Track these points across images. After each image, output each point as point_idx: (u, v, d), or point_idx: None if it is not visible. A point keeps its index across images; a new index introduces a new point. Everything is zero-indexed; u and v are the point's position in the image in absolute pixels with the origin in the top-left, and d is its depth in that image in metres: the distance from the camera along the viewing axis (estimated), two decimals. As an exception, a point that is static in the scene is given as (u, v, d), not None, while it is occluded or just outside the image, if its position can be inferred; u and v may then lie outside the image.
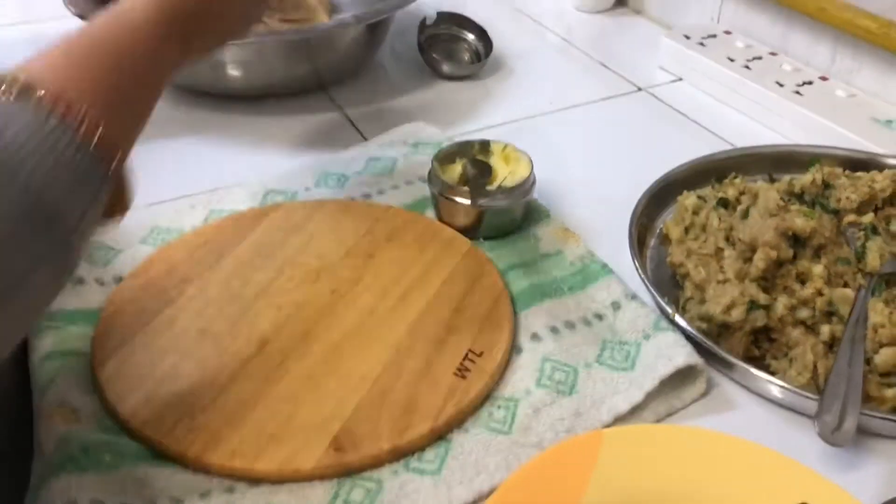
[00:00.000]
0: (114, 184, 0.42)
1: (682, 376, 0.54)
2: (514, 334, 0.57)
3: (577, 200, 0.72)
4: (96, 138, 0.39)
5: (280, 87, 0.85)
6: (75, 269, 0.42)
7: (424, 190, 0.70)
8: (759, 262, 0.56)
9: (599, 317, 0.59)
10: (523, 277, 0.62)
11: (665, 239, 0.67)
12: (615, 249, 0.64)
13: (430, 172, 0.67)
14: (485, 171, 0.68)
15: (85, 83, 0.40)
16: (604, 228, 0.68)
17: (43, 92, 0.38)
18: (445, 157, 0.69)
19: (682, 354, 0.53)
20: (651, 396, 0.53)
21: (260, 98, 0.86)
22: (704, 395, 0.54)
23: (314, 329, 0.56)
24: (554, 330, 0.58)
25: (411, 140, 0.78)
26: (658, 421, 0.53)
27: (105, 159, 0.40)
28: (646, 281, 0.59)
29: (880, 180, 0.63)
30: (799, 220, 0.57)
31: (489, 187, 0.66)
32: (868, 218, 0.61)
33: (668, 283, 0.63)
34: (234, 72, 0.82)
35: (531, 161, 0.67)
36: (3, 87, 0.37)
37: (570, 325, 0.58)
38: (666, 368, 0.53)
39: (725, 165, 0.72)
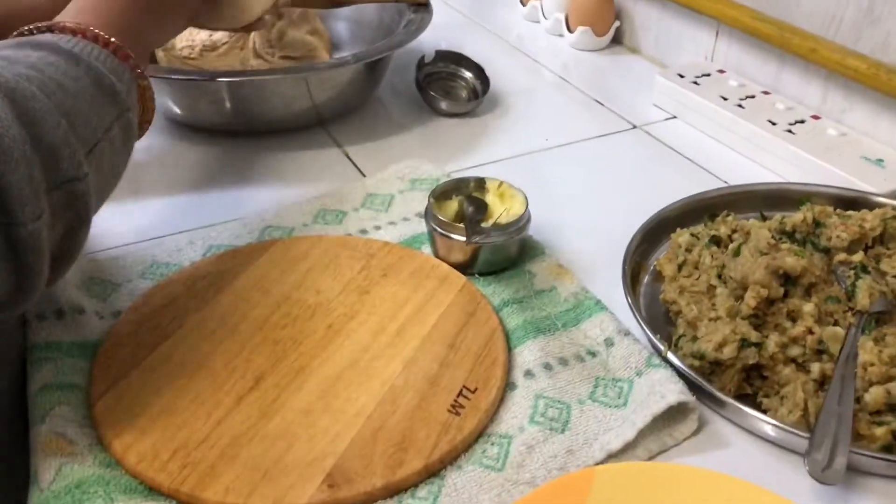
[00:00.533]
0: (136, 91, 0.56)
1: (675, 413, 0.54)
2: (507, 371, 0.58)
3: (572, 237, 0.73)
4: (111, 48, 0.53)
5: (279, 124, 0.87)
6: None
7: (421, 226, 0.70)
8: (751, 300, 0.57)
9: (593, 353, 0.59)
10: (517, 313, 0.62)
11: (658, 276, 0.67)
12: (609, 286, 0.64)
13: (426, 209, 0.68)
14: (480, 208, 0.69)
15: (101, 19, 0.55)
16: (598, 265, 0.68)
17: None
18: (442, 193, 0.70)
19: (673, 392, 0.54)
20: (643, 434, 0.53)
21: (259, 134, 0.87)
22: (697, 432, 0.54)
23: (309, 364, 0.57)
24: (547, 366, 0.58)
25: (409, 176, 0.79)
26: (650, 458, 0.53)
27: (124, 60, 0.54)
28: (638, 318, 0.60)
29: (870, 219, 0.64)
30: (789, 259, 0.58)
31: (484, 224, 0.67)
32: (858, 257, 0.62)
33: (662, 320, 0.63)
34: (233, 108, 0.84)
35: (526, 198, 0.68)
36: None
37: (564, 362, 0.59)
38: (658, 406, 0.53)
39: (718, 203, 0.73)
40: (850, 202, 0.71)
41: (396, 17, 0.97)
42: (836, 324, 0.57)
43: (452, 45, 1.01)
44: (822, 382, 0.54)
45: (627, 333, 0.60)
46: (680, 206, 0.73)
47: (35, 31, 0.53)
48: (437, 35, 1.09)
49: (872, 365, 0.53)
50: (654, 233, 0.70)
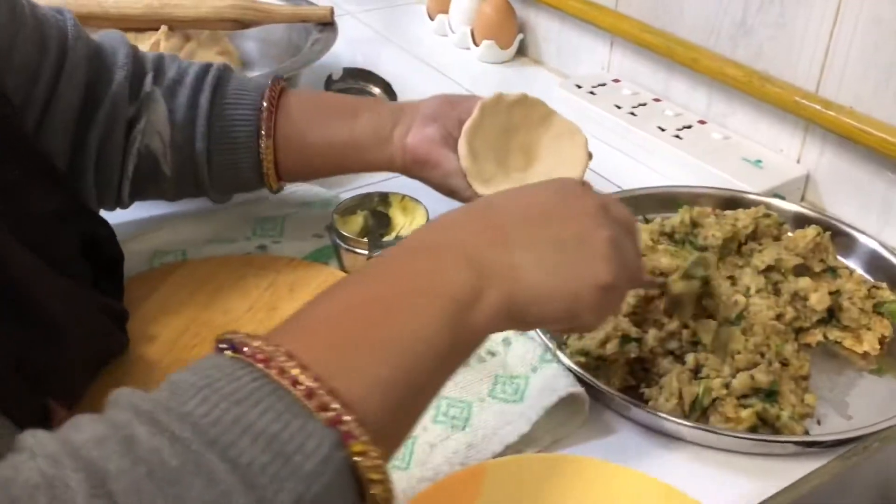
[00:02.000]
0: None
1: (567, 406, 0.58)
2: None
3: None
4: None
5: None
6: None
7: (323, 242, 0.73)
8: (630, 298, 0.61)
9: (492, 353, 0.63)
10: (421, 321, 0.65)
11: None
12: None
13: (330, 224, 0.71)
14: (384, 221, 0.72)
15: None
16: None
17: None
18: (346, 209, 0.72)
19: (564, 385, 0.58)
20: (538, 426, 0.56)
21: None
22: (587, 423, 0.58)
23: (218, 381, 0.58)
24: (448, 369, 0.61)
25: (300, 200, 0.80)
26: (545, 449, 0.57)
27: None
28: None
29: (743, 218, 0.69)
30: (664, 259, 0.62)
31: (386, 238, 0.70)
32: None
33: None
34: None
35: (427, 210, 0.72)
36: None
37: (465, 363, 0.62)
38: (549, 399, 0.57)
39: None
40: (730, 202, 0.77)
41: (304, 36, 1.00)
42: (709, 316, 0.61)
43: (363, 61, 1.04)
44: (697, 371, 0.58)
45: (546, 349, 0.63)
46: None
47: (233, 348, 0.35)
48: (350, 49, 1.12)
49: (739, 353, 0.58)
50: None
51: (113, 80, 0.62)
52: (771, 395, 0.56)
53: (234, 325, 0.64)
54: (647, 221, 0.74)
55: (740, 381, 0.56)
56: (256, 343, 0.34)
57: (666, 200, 0.79)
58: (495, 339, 0.64)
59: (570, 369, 0.59)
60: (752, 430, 0.55)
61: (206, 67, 0.66)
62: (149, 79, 0.64)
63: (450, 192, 0.68)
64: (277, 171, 0.68)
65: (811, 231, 0.67)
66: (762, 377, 0.56)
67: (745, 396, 0.56)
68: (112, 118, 0.62)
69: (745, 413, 0.55)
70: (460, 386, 0.60)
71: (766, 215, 0.70)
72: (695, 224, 0.70)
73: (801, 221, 0.74)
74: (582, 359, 0.60)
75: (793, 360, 0.60)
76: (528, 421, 0.56)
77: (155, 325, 0.63)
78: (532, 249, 0.44)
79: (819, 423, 0.58)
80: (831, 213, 0.81)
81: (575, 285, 0.44)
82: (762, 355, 0.58)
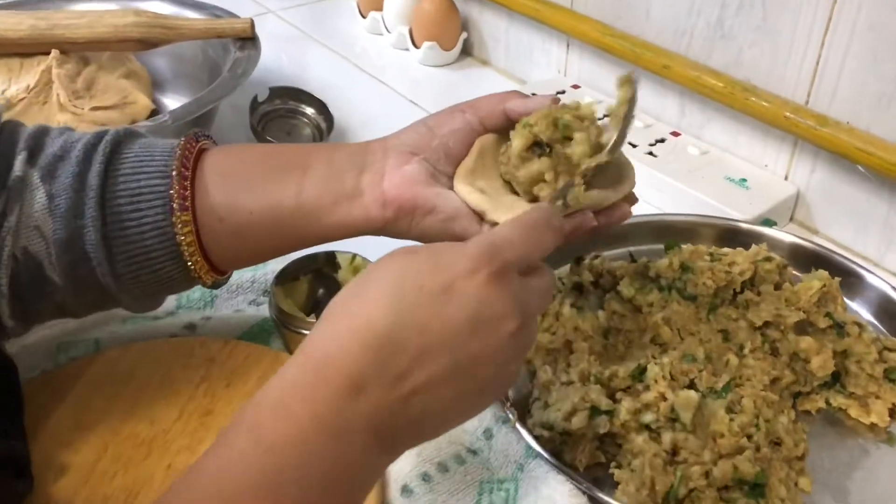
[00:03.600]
0: None
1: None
2: (382, 490, 0.51)
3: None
4: None
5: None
6: None
7: (263, 311, 0.62)
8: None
9: (473, 451, 0.54)
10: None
11: None
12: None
13: (269, 298, 0.60)
14: (332, 287, 0.62)
15: None
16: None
17: None
18: (287, 274, 0.62)
19: (563, 494, 0.49)
20: (537, 549, 0.48)
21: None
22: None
23: (148, 523, 0.48)
24: (426, 477, 0.52)
25: None
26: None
27: None
28: None
29: (740, 262, 0.61)
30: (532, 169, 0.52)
31: (339, 311, 0.59)
32: None
33: (527, 377, 0.59)
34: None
35: (383, 273, 0.61)
36: None
37: (443, 468, 0.53)
38: (545, 520, 0.48)
39: (589, 241, 0.69)
40: (721, 234, 0.69)
41: (221, 53, 0.87)
42: (691, 385, 0.53)
43: (290, 71, 0.92)
44: (675, 453, 0.50)
45: (506, 420, 0.55)
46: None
47: None
48: (274, 53, 1.00)
49: (723, 436, 0.50)
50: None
51: None
52: (757, 486, 0.49)
53: (163, 440, 0.53)
54: (633, 260, 0.66)
55: (722, 471, 0.48)
56: None
57: (648, 232, 0.71)
58: (474, 433, 0.54)
59: (529, 445, 0.52)
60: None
61: (101, 135, 0.51)
62: (20, 160, 0.48)
63: (457, 238, 0.50)
64: (207, 257, 0.52)
65: (816, 283, 0.59)
66: (747, 468, 0.48)
67: (726, 488, 0.48)
68: None
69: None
70: (440, 500, 0.50)
71: (767, 258, 0.62)
72: (684, 268, 0.62)
73: (799, 255, 0.66)
74: (545, 433, 0.52)
75: (787, 437, 0.52)
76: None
77: (65, 450, 0.52)
78: (438, 402, 0.37)
79: (813, 514, 0.51)
80: (825, 234, 0.74)
81: (480, 405, 0.41)
82: (749, 438, 0.51)
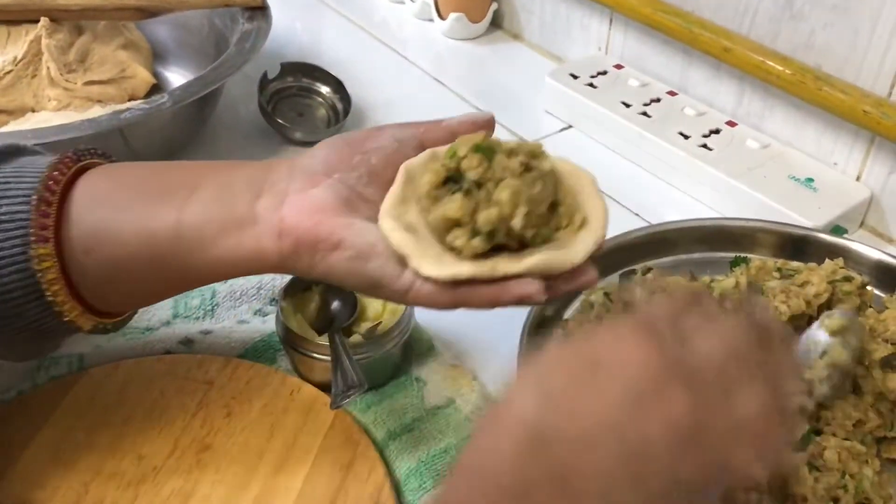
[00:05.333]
0: None
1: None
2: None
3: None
4: None
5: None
6: None
7: (269, 325, 0.55)
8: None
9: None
10: (408, 450, 0.49)
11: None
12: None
13: (276, 315, 0.53)
14: (347, 301, 0.54)
15: None
16: (498, 342, 0.55)
17: None
18: (297, 284, 0.54)
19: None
20: None
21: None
22: None
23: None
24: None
25: None
26: None
27: None
28: None
29: (816, 282, 0.53)
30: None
31: (358, 331, 0.52)
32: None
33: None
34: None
35: (405, 285, 0.54)
36: None
37: None
38: None
39: (637, 248, 0.62)
40: (788, 243, 0.61)
41: (229, 23, 0.79)
42: None
43: (305, 43, 0.83)
44: None
45: None
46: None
47: None
48: (286, 22, 0.92)
49: (805, 500, 0.43)
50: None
51: None
52: None
53: (152, 481, 0.46)
54: (693, 277, 0.58)
55: None
56: None
57: (700, 238, 0.63)
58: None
59: None
60: None
61: None
62: None
63: (372, 288, 0.40)
64: (77, 296, 0.42)
65: (910, 309, 0.51)
66: None
67: None
68: None
69: None
70: None
71: (847, 278, 0.54)
72: (752, 287, 0.54)
73: (880, 272, 0.58)
74: None
75: (875, 495, 0.45)
76: None
77: (39, 490, 0.45)
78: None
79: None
80: (901, 244, 0.66)
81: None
82: (836, 501, 0.43)
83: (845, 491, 0.43)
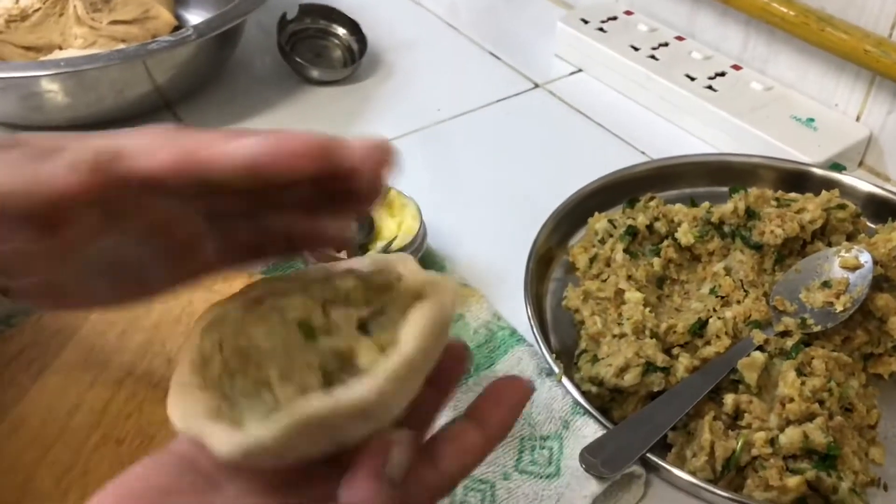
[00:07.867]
0: None
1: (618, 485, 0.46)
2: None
3: (476, 233, 0.62)
4: None
5: (112, 114, 0.71)
6: None
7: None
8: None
9: (513, 404, 0.50)
10: (420, 360, 0.52)
11: (572, 267, 0.58)
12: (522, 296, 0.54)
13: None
14: (365, 224, 0.57)
15: None
16: (507, 267, 0.58)
17: None
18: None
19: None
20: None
21: (88, 127, 0.72)
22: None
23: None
24: (461, 432, 0.48)
25: None
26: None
27: None
28: (535, 331, 0.51)
29: (811, 209, 0.56)
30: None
31: (371, 249, 0.55)
32: None
33: (573, 323, 0.55)
34: (53, 102, 0.67)
35: (419, 209, 0.57)
36: None
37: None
38: (596, 486, 0.44)
39: (641, 181, 0.65)
40: (788, 177, 0.63)
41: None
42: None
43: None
44: (736, 417, 0.46)
45: (550, 372, 0.51)
46: (597, 186, 0.63)
47: None
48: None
49: (792, 401, 0.45)
50: (571, 217, 0.61)
51: None
52: (828, 458, 0.44)
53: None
54: (693, 205, 0.60)
55: (790, 439, 0.43)
56: None
57: (704, 173, 0.65)
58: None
59: (575, 401, 0.48)
60: (800, 501, 0.43)
61: None
62: None
63: None
64: None
65: None
66: (819, 437, 0.44)
67: (793, 457, 0.44)
68: None
69: (792, 482, 0.42)
70: (479, 457, 0.47)
71: (841, 206, 0.56)
72: (750, 214, 0.57)
73: (873, 204, 0.61)
74: (593, 388, 0.48)
75: (859, 403, 0.48)
76: (569, 509, 0.44)
77: (77, 385, 0.49)
78: None
79: (886, 488, 0.46)
80: (897, 182, 0.68)
81: None
82: (821, 403, 0.46)
83: (830, 394, 0.46)
